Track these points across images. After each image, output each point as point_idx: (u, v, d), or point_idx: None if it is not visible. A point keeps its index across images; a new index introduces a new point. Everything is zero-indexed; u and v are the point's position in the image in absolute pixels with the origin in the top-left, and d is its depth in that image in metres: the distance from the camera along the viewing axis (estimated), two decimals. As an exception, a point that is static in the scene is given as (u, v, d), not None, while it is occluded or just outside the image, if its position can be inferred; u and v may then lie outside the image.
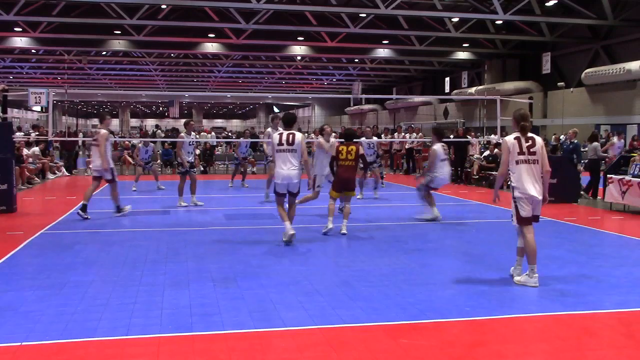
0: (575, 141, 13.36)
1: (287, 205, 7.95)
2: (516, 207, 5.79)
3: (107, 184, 10.15)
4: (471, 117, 35.73)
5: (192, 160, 11.69)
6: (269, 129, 13.01)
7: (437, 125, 11.25)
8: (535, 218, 5.83)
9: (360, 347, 4.13)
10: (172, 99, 58.90)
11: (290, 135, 7.81)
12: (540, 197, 5.75)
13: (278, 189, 7.84)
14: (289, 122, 8.15)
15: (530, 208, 5.74)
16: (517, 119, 5.85)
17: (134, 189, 14.56)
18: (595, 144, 13.52)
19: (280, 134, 7.86)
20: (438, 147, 9.92)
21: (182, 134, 11.81)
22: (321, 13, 24.57)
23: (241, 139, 17.58)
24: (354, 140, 9.09)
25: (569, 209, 11.61)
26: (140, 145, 16.34)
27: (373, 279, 5.97)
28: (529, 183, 5.70)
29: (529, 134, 5.81)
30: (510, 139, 5.85)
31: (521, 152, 5.74)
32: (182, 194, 11.55)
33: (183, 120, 14.11)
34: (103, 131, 9.95)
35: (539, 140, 5.85)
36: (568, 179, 12.77)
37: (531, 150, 5.74)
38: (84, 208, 9.78)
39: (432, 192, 10.09)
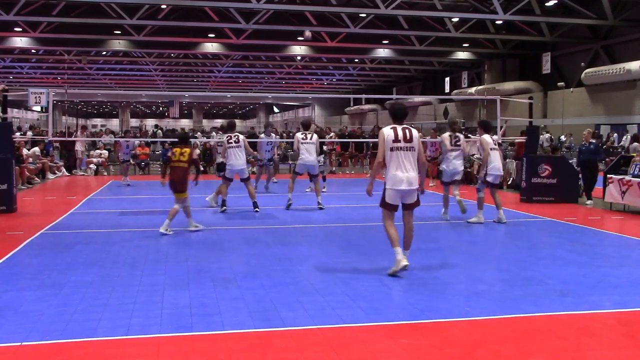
0: (594, 141, 13.14)
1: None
2: (384, 193, 6.07)
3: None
4: (471, 117, 35.71)
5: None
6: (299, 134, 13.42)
7: (483, 119, 11.16)
8: (406, 206, 6.11)
9: (360, 347, 4.13)
10: (172, 99, 59.01)
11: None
12: (411, 187, 5.96)
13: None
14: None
15: (398, 197, 6.01)
16: (390, 110, 6.23)
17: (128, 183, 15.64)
18: (636, 144, 13.41)
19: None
20: (487, 136, 9.78)
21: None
22: (321, 13, 24.56)
23: (262, 137, 15.69)
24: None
25: (569, 209, 11.61)
26: (122, 141, 17.36)
27: (373, 279, 5.97)
28: (400, 171, 5.92)
29: (405, 125, 6.07)
30: (386, 128, 6.05)
31: (396, 140, 5.92)
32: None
33: (183, 121, 14.28)
34: (242, 136, 10.99)
35: (415, 131, 6.11)
36: (568, 179, 12.77)
37: (407, 138, 5.93)
38: (223, 203, 10.83)
39: (480, 193, 9.76)
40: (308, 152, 11.12)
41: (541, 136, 24.03)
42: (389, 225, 6.11)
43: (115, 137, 26.22)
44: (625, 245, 8.22)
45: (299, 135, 11.36)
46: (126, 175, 16.51)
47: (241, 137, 10.89)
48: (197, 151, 8.83)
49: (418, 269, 6.50)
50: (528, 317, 4.81)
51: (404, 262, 5.92)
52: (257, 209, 10.74)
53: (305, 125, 11.81)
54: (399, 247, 5.99)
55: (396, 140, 5.96)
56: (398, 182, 5.94)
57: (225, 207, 10.80)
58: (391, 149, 5.98)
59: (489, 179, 9.70)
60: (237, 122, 15.05)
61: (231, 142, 10.73)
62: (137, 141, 20.40)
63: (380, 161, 6.09)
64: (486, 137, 9.79)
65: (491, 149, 9.67)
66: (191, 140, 9.03)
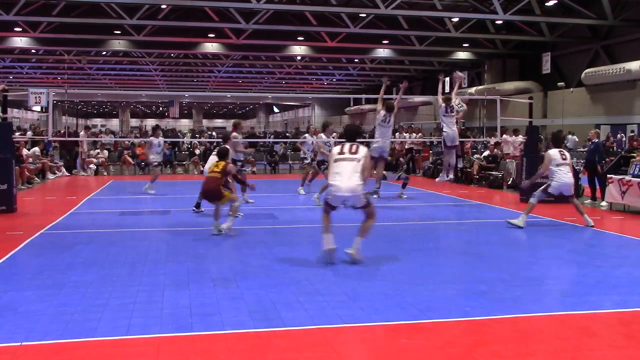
0: (596, 141, 13.15)
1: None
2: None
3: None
4: (471, 117, 35.73)
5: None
6: (323, 136, 13.61)
7: (555, 132, 11.06)
8: (357, 208, 6.69)
9: (360, 347, 4.13)
10: (172, 99, 59.05)
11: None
12: (351, 194, 6.49)
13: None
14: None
15: (338, 201, 6.63)
16: (343, 130, 7.25)
17: (152, 191, 13.84)
18: None
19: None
20: (554, 151, 9.53)
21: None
22: (321, 13, 24.58)
23: (307, 136, 15.19)
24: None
25: (569, 209, 11.58)
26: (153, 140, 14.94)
27: (373, 279, 5.97)
28: (343, 178, 6.51)
29: (355, 143, 6.76)
30: (336, 147, 6.91)
31: (341, 153, 6.66)
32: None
33: (183, 121, 14.26)
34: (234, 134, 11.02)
35: (363, 148, 6.74)
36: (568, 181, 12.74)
37: (352, 152, 6.62)
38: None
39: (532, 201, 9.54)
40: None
41: (569, 136, 24.15)
42: (324, 218, 6.80)
43: (117, 137, 26.13)
44: (625, 245, 8.22)
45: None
46: (154, 180, 14.24)
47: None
48: (232, 165, 8.84)
49: (418, 268, 6.50)
50: (528, 317, 4.81)
51: (330, 246, 6.64)
52: (195, 209, 10.62)
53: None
54: (329, 234, 6.67)
55: (341, 152, 6.71)
56: (338, 189, 6.55)
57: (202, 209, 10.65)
58: (335, 160, 6.72)
59: (550, 190, 9.42)
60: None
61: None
62: (168, 141, 19.88)
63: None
64: (552, 153, 9.50)
65: (557, 165, 9.37)
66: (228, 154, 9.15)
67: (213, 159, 10.43)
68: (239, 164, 11.64)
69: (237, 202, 8.50)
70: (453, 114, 11.82)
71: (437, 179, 13.17)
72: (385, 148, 11.71)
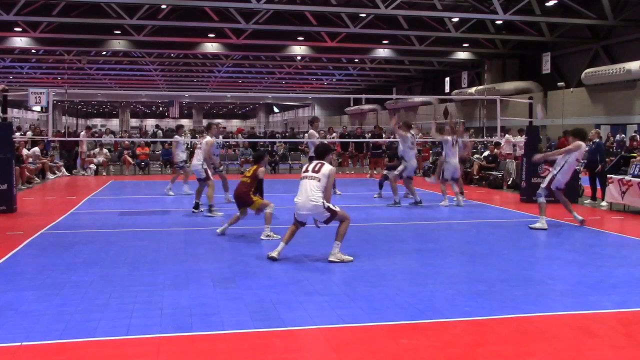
0: (597, 140, 13.14)
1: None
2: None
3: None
4: (471, 117, 35.76)
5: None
6: (311, 131, 13.39)
7: (576, 127, 10.62)
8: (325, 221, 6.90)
9: (360, 347, 4.13)
10: (172, 99, 59.04)
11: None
12: (310, 212, 6.81)
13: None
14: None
15: (304, 217, 6.94)
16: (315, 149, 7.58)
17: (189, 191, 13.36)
18: None
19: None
20: (584, 145, 9.39)
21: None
22: (321, 13, 24.58)
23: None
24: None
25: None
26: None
27: (373, 279, 5.97)
28: (302, 197, 6.78)
29: (321, 161, 7.00)
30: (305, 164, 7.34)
31: (305, 170, 6.95)
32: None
33: (183, 121, 14.19)
34: (208, 138, 10.78)
35: (327, 167, 6.92)
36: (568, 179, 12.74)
37: (315, 169, 6.87)
38: (196, 206, 10.56)
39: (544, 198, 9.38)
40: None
41: (617, 136, 24.16)
42: (289, 228, 7.06)
43: (118, 138, 26.07)
44: (625, 245, 8.22)
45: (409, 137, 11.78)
46: (186, 179, 13.78)
47: (205, 139, 10.75)
48: (262, 169, 8.70)
49: (418, 268, 6.51)
50: (528, 317, 4.81)
51: (273, 254, 6.83)
52: (195, 210, 10.58)
53: (408, 126, 12.28)
54: (284, 244, 6.92)
55: (305, 170, 6.98)
56: (298, 208, 6.86)
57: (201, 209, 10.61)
58: (301, 178, 6.99)
59: (555, 184, 9.33)
60: (237, 122, 14.21)
61: (197, 144, 10.92)
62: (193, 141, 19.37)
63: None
64: (583, 145, 9.35)
65: (576, 159, 9.32)
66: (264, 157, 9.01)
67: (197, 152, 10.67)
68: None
69: (269, 209, 8.36)
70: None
71: (427, 179, 13.78)
72: (414, 168, 12.43)
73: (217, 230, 8.52)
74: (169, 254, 7.16)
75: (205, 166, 10.55)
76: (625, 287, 5.77)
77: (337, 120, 58.32)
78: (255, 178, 8.38)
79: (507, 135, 16.70)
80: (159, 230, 8.89)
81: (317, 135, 13.29)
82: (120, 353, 3.98)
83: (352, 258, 6.78)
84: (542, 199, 9.34)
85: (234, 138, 27.16)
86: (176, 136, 15.17)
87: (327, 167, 6.93)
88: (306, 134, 15.12)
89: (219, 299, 5.19)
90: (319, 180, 6.80)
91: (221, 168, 12.69)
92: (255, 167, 8.50)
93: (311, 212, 6.82)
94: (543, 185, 9.49)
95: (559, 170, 9.29)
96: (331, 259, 6.70)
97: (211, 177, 10.64)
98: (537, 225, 9.18)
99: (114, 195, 14.09)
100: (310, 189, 6.75)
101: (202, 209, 10.51)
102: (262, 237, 8.23)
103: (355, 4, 23.41)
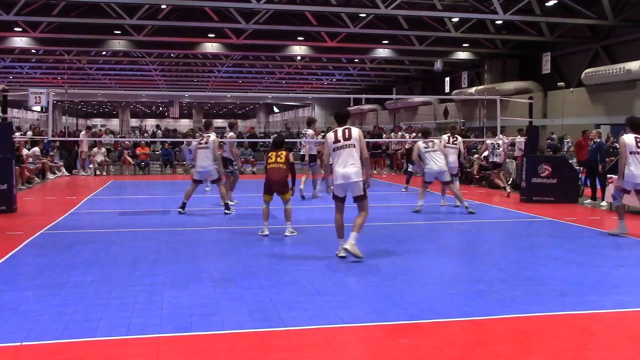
0: (598, 140, 13.12)
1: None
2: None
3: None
4: (471, 117, 35.74)
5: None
6: (310, 131, 13.35)
7: (632, 116, 9.15)
8: (356, 198, 6.79)
9: (360, 347, 4.13)
10: (172, 99, 59.01)
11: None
12: (354, 180, 6.65)
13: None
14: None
15: (342, 190, 6.78)
16: (334, 116, 7.19)
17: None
18: None
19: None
20: (629, 137, 8.36)
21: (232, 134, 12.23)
22: (321, 13, 24.56)
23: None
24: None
25: (569, 209, 11.61)
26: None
27: (373, 279, 5.97)
28: (341, 166, 6.69)
29: (347, 126, 6.89)
30: (329, 133, 7.09)
31: (337, 141, 6.79)
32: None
33: (183, 121, 14.17)
34: (213, 136, 10.72)
35: (355, 130, 6.83)
36: (568, 179, 12.77)
37: (346, 137, 6.72)
38: (183, 206, 10.49)
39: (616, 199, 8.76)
40: (434, 160, 10.93)
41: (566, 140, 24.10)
42: (337, 218, 6.92)
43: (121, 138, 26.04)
44: (625, 245, 8.22)
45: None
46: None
47: (212, 137, 10.67)
48: (291, 154, 8.73)
49: (418, 268, 6.51)
50: (528, 317, 4.81)
51: (341, 254, 6.78)
52: (227, 211, 10.56)
53: (426, 133, 11.77)
54: (342, 239, 6.83)
55: (336, 141, 6.81)
56: (340, 177, 6.70)
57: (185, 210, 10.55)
58: (333, 150, 6.85)
59: (624, 186, 8.46)
60: (238, 122, 14.07)
61: (201, 144, 10.74)
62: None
63: (326, 163, 7.35)
64: (626, 138, 8.37)
65: (631, 153, 8.28)
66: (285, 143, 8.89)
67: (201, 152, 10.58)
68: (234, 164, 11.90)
69: (289, 205, 8.41)
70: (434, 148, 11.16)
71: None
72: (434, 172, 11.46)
73: (259, 233, 8.46)
74: (169, 254, 7.16)
75: (216, 166, 10.60)
76: (625, 287, 5.77)
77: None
78: (290, 162, 8.45)
79: (499, 135, 16.69)
80: (159, 230, 8.89)
81: (314, 135, 13.31)
82: (120, 353, 3.98)
83: (362, 255, 6.72)
84: (616, 202, 8.76)
85: (243, 138, 27.12)
86: (231, 133, 12.66)
87: (355, 130, 6.86)
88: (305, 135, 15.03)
89: (218, 299, 5.19)
90: (354, 147, 6.73)
91: (237, 167, 12.26)
92: (282, 152, 8.48)
93: (354, 177, 6.65)
94: (615, 186, 8.68)
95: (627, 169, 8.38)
96: (347, 247, 6.66)
97: (222, 177, 10.81)
98: (615, 231, 8.62)
99: (114, 195, 14.09)
100: (350, 156, 6.68)
101: (187, 210, 10.50)
102: (286, 234, 8.34)
103: (355, 4, 23.40)
